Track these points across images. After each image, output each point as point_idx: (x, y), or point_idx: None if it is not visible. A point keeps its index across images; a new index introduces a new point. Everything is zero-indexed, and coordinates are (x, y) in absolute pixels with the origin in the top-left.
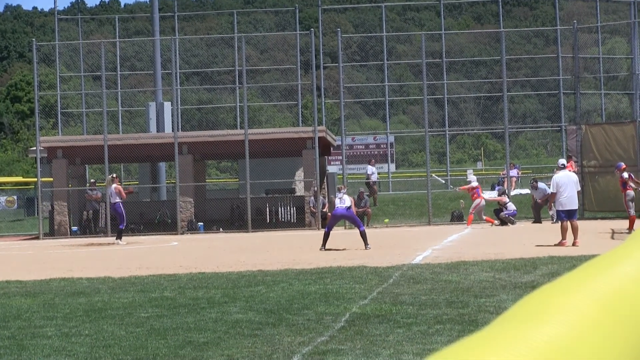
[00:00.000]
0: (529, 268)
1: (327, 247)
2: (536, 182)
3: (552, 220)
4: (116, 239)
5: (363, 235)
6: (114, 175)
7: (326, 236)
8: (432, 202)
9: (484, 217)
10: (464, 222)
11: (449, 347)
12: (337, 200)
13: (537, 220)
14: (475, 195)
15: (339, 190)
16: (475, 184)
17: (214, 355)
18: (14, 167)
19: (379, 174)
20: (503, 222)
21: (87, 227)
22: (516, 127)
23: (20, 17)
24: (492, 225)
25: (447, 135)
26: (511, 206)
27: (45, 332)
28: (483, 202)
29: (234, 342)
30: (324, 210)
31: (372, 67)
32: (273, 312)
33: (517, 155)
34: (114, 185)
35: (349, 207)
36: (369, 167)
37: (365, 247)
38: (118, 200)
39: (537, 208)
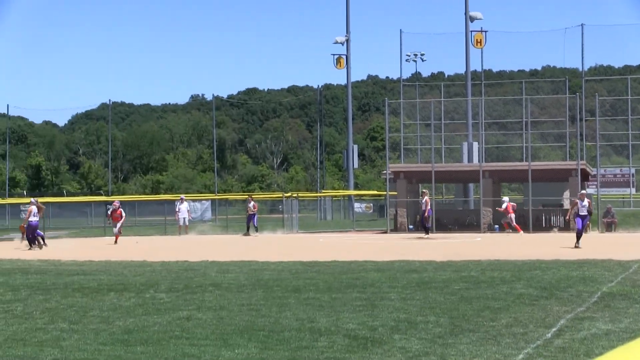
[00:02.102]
0: None
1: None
2: None
3: None
4: (426, 234)
5: (578, 235)
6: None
7: (579, 235)
8: None
9: (504, 223)
10: None
11: None
12: (579, 202)
13: None
14: (511, 211)
15: (583, 196)
16: (505, 205)
17: (504, 317)
18: (371, 184)
19: (622, 195)
20: None
21: (419, 226)
22: None
23: (377, 83)
24: (506, 230)
25: None
26: None
27: (389, 296)
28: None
29: (518, 309)
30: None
31: (620, 120)
32: (546, 288)
33: None
34: (425, 198)
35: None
36: None
37: (576, 245)
38: (429, 207)
39: None
